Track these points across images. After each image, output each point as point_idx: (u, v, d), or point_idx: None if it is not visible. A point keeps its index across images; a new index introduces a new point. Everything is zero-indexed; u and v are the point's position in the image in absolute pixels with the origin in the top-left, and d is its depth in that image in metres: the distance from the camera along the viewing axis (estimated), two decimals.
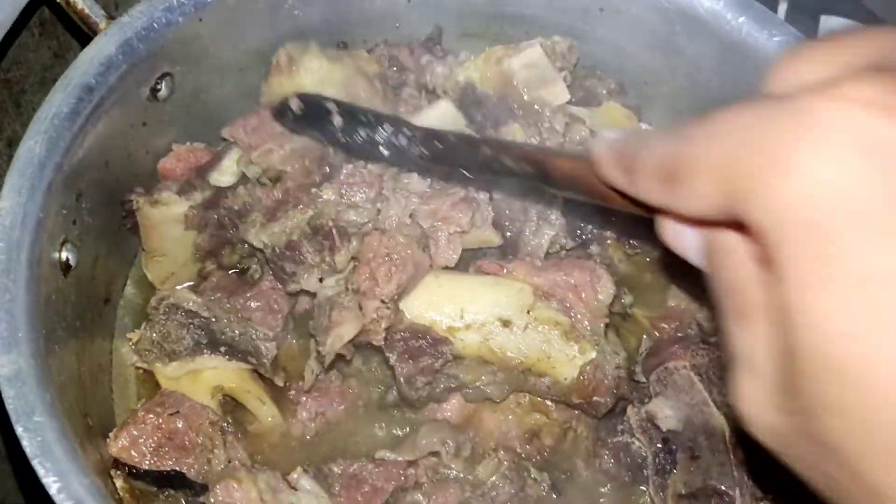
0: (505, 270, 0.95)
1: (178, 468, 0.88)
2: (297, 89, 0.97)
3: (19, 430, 0.72)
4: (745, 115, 0.46)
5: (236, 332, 0.96)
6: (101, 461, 0.83)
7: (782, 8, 1.47)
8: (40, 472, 0.70)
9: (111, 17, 0.94)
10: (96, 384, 0.94)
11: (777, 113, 0.44)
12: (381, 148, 0.90)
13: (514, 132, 1.01)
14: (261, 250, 0.97)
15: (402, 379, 0.92)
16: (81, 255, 0.91)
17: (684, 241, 0.56)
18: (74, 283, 0.90)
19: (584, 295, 0.94)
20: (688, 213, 0.51)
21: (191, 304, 0.95)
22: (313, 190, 0.97)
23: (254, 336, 0.97)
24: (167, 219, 0.99)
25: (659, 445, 0.92)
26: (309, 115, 0.94)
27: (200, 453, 0.89)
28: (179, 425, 0.89)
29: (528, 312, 0.93)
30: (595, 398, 0.92)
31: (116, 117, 0.94)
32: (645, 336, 1.01)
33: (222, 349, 0.95)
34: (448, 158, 0.87)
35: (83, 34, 1.10)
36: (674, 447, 0.91)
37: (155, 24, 0.95)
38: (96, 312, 0.97)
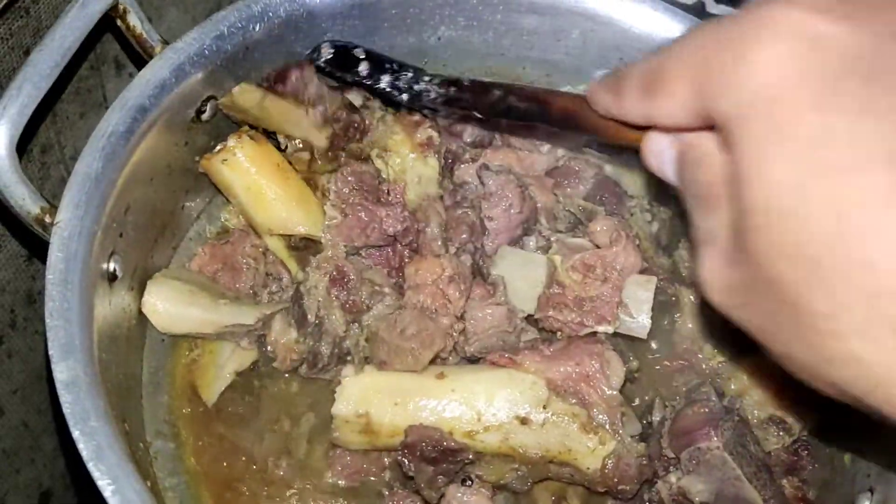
0: (515, 361, 0.97)
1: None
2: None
3: (76, 433, 0.75)
4: (714, 25, 0.57)
5: None
6: (139, 466, 0.87)
7: None
8: (95, 475, 0.74)
9: (165, 42, 0.99)
10: (130, 392, 0.98)
11: (740, 19, 0.55)
12: (402, 93, 1.03)
13: None
14: None
15: (422, 483, 0.95)
16: (124, 266, 0.95)
17: (663, 159, 0.66)
18: (116, 294, 0.94)
19: (596, 385, 0.95)
20: (666, 120, 0.62)
21: None
22: None
23: None
24: None
25: None
26: (337, 60, 1.05)
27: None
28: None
29: (545, 407, 0.94)
30: (620, 486, 0.95)
31: (164, 136, 0.98)
32: (658, 399, 1.03)
33: None
34: (462, 101, 0.98)
35: (133, 53, 1.15)
36: None
37: (206, 51, 0.99)
38: (132, 321, 1.01)
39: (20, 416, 1.35)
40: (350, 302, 1.01)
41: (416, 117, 1.13)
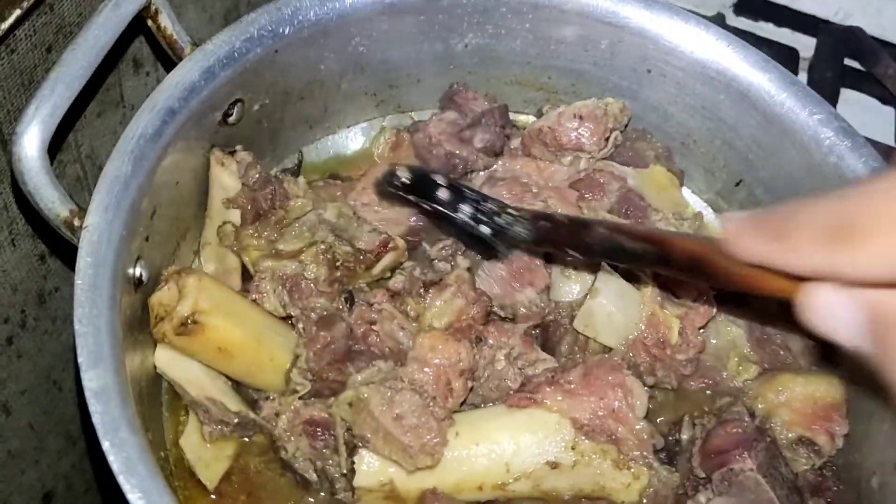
0: (536, 401, 0.94)
1: None
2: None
3: (106, 445, 0.73)
4: None
5: None
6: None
7: (802, 78, 1.54)
8: (126, 488, 0.72)
9: (195, 44, 0.97)
10: (151, 398, 0.96)
11: None
12: (482, 225, 0.92)
13: None
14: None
15: None
16: (149, 271, 0.93)
17: (837, 318, 0.57)
18: (140, 298, 0.92)
19: (623, 418, 0.93)
20: (858, 275, 0.53)
21: None
22: None
23: None
24: None
25: None
26: (415, 185, 0.96)
27: None
28: None
29: (573, 449, 0.91)
30: None
31: (191, 139, 0.97)
32: (686, 417, 1.00)
33: None
34: (555, 239, 0.88)
35: (155, 51, 1.13)
36: None
37: (235, 54, 0.98)
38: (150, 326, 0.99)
39: (27, 417, 1.32)
40: (337, 440, 0.92)
41: None
